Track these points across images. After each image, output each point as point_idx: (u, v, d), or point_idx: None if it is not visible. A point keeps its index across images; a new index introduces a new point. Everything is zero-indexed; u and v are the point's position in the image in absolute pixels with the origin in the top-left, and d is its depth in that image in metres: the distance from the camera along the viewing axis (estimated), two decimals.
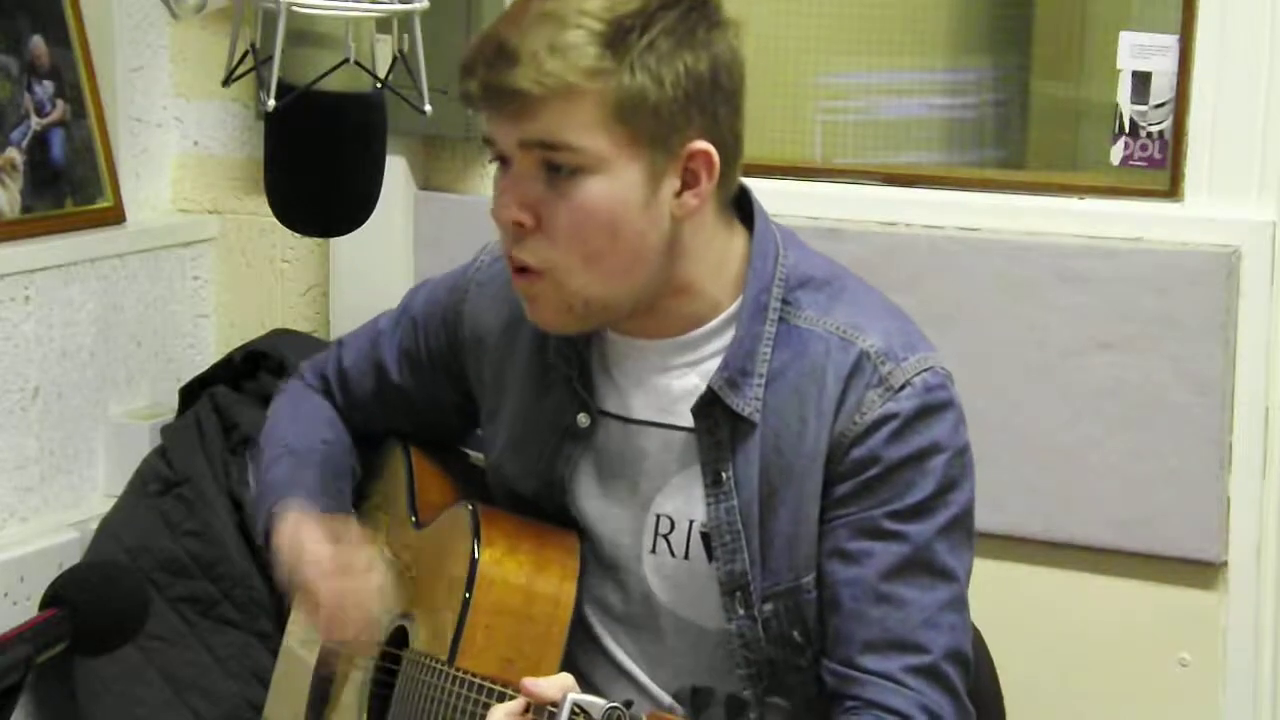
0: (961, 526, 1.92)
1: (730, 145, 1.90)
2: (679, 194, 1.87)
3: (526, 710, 1.74)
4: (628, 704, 1.68)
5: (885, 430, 1.88)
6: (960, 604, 1.92)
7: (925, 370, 1.91)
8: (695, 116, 1.86)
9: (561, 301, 1.88)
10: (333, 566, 2.03)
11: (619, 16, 1.83)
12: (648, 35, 1.83)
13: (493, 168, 1.93)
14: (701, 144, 1.86)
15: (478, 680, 1.91)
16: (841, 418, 1.89)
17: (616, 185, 1.84)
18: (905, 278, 2.81)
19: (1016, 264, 2.84)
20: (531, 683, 1.73)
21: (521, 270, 1.89)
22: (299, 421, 2.25)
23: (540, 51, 1.81)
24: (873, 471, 1.88)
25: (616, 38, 1.82)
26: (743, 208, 1.98)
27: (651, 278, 1.89)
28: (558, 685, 1.72)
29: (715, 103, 1.87)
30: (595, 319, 1.93)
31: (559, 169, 1.84)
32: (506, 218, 1.87)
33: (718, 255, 1.94)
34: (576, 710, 1.69)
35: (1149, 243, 2.78)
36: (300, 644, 2.29)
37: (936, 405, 1.90)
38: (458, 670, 1.93)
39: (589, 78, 1.81)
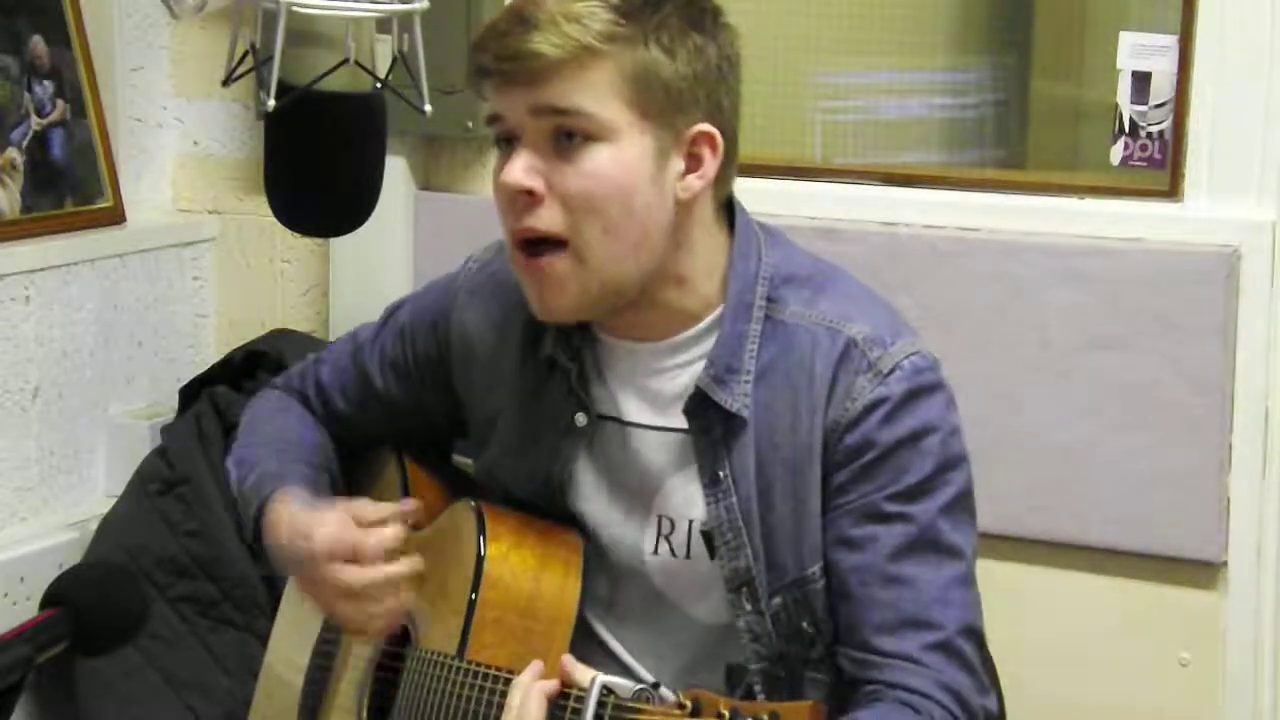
0: (962, 505, 1.93)
1: (731, 138, 1.93)
2: (683, 176, 1.89)
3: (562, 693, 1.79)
4: (655, 686, 1.72)
5: (877, 414, 1.90)
6: (968, 580, 1.92)
7: (913, 354, 1.92)
8: (702, 99, 1.89)
9: (581, 281, 1.88)
10: (351, 552, 1.95)
11: None
12: (660, 13, 1.87)
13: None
14: (706, 126, 1.89)
15: (490, 670, 1.91)
16: (833, 406, 1.91)
17: (625, 155, 1.86)
18: (905, 278, 2.81)
19: (1016, 264, 2.83)
20: (570, 661, 1.81)
21: (536, 250, 1.88)
22: (278, 420, 2.22)
23: (558, 16, 1.84)
24: (869, 456, 1.90)
25: (630, 9, 1.86)
26: (729, 214, 2.00)
27: (655, 262, 1.90)
28: (586, 671, 1.79)
29: (720, 91, 1.91)
30: (603, 305, 1.93)
31: (570, 137, 1.86)
32: (515, 183, 1.87)
33: (709, 253, 1.95)
34: (606, 691, 1.73)
35: (1149, 243, 2.78)
36: (285, 666, 2.26)
37: (926, 387, 1.92)
38: (468, 663, 1.93)
39: (606, 40, 1.84)
